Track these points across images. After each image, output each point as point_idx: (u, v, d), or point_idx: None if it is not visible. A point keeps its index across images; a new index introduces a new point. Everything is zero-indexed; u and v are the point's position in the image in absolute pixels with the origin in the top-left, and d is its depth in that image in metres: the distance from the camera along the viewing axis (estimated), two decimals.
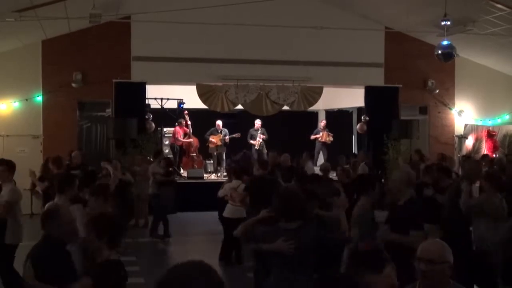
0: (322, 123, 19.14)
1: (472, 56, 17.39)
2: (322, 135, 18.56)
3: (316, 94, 17.10)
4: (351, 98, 18.63)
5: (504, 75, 18.25)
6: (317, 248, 4.85)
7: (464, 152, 17.69)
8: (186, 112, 17.49)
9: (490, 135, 17.93)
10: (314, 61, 16.63)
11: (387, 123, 16.40)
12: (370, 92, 17.29)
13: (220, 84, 16.44)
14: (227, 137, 17.62)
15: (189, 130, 17.55)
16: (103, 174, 9.80)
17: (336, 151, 18.70)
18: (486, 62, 17.83)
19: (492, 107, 18.25)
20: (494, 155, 17.18)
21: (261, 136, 17.72)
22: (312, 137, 18.75)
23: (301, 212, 4.94)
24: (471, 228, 7.41)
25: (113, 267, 4.26)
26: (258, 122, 17.79)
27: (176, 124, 17.47)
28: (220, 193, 10.18)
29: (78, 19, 13.68)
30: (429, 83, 17.56)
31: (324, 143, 18.55)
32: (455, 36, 14.21)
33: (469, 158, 11.06)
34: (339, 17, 16.42)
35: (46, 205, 6.03)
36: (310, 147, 17.97)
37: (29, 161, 14.55)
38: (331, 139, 18.54)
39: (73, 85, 15.64)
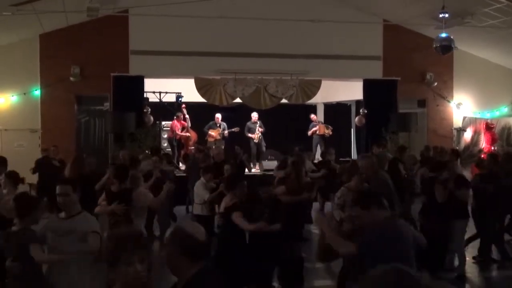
0: (312, 116, 18.85)
1: (470, 48, 17.37)
2: (320, 128, 18.44)
3: (314, 87, 17.09)
4: (350, 91, 18.61)
5: (502, 67, 18.24)
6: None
7: (462, 145, 17.71)
8: (183, 105, 17.47)
9: (489, 127, 17.93)
10: (312, 54, 16.61)
11: (385, 116, 16.42)
12: (369, 85, 17.28)
13: (218, 77, 16.42)
14: (226, 131, 17.60)
15: (187, 124, 17.53)
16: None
17: (335, 144, 18.70)
18: (484, 55, 17.82)
19: (491, 100, 18.25)
20: (492, 148, 17.22)
21: (259, 129, 17.68)
22: (310, 132, 18.52)
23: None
24: None
25: None
26: (255, 115, 17.72)
27: (175, 117, 17.45)
28: None
29: (75, 13, 13.66)
30: (428, 76, 17.56)
31: (322, 136, 18.42)
32: (453, 29, 14.19)
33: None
34: (337, 10, 16.40)
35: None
36: (309, 141, 18.00)
37: (27, 155, 14.60)
38: (330, 132, 18.40)
39: (71, 79, 15.62)
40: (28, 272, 5.05)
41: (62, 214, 5.28)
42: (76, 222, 5.14)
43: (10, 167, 8.29)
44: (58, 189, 5.16)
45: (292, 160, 9.94)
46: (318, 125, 18.49)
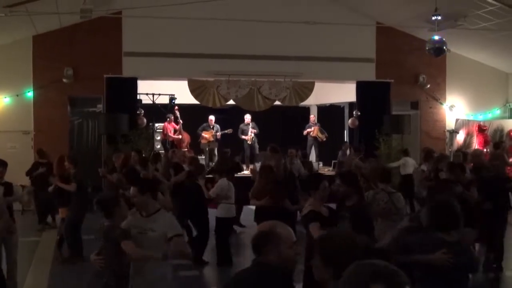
0: (311, 117, 19.13)
1: (463, 51, 17.44)
2: (314, 130, 18.53)
3: (307, 89, 17.12)
4: (343, 93, 18.62)
5: (495, 69, 18.32)
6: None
7: (455, 147, 17.76)
8: (176, 108, 17.44)
9: (481, 129, 17.99)
10: (305, 56, 16.63)
11: (378, 118, 16.45)
12: (362, 87, 17.31)
13: (211, 79, 16.41)
14: (219, 133, 17.59)
15: (179, 126, 17.48)
16: None
17: (328, 146, 18.74)
18: (477, 57, 17.89)
19: (483, 102, 18.33)
20: (485, 150, 17.27)
21: (253, 130, 17.69)
22: (305, 132, 18.73)
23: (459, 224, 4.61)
24: None
25: None
26: (248, 117, 17.74)
27: (167, 119, 17.41)
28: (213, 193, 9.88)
29: (69, 14, 13.63)
30: (421, 78, 17.60)
31: (315, 139, 18.53)
32: (446, 31, 14.24)
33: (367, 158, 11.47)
34: (331, 12, 16.43)
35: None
36: (302, 142, 18.00)
37: (20, 157, 14.54)
38: (324, 138, 18.50)
39: (64, 80, 15.57)
40: (113, 269, 5.06)
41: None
42: (156, 221, 5.10)
43: None
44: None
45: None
46: (313, 127, 18.57)
